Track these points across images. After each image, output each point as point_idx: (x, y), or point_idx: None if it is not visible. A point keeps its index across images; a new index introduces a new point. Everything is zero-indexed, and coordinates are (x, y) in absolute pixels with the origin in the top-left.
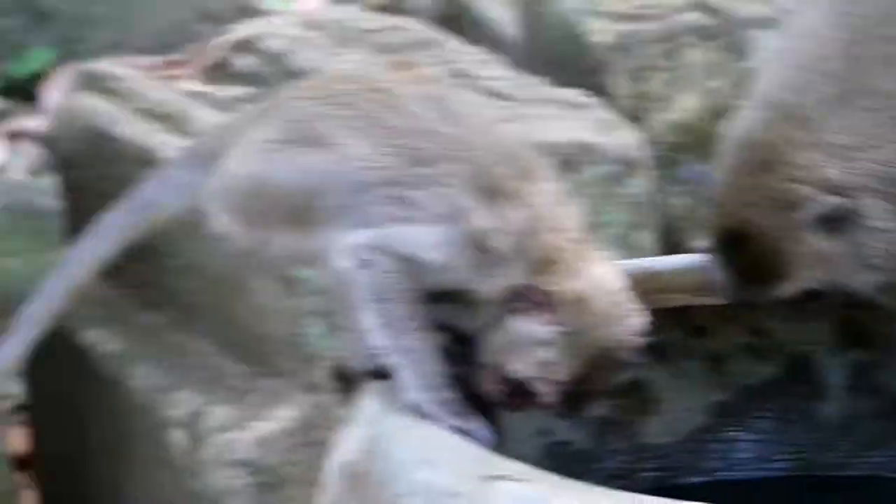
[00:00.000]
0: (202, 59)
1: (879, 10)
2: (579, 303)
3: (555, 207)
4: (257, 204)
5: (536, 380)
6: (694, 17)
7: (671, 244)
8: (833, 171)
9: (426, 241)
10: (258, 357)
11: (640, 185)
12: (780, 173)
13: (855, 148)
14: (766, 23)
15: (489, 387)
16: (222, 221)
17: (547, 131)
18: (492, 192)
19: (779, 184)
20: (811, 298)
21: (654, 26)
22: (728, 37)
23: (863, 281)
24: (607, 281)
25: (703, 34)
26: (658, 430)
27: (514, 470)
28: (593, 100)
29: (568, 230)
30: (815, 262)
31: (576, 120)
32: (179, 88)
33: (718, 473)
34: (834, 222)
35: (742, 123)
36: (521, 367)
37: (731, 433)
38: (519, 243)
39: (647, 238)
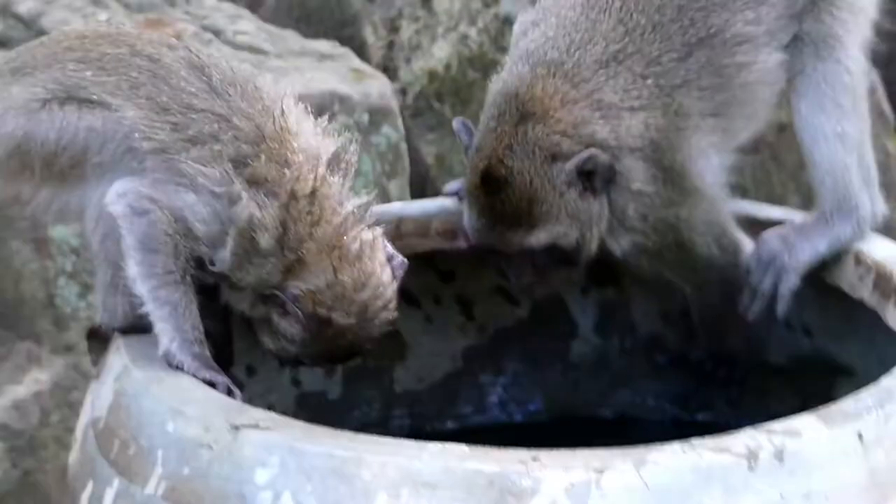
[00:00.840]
0: None
1: None
2: (325, 320)
3: (317, 193)
4: (19, 160)
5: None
6: None
7: (421, 191)
8: (598, 129)
9: (197, 210)
10: (12, 321)
11: (389, 133)
12: (545, 125)
13: (623, 108)
14: None
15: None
16: None
17: (300, 83)
18: (255, 180)
19: (542, 135)
20: (556, 261)
21: None
22: None
23: (618, 241)
24: (364, 286)
25: None
26: (410, 376)
27: (260, 418)
28: (346, 50)
29: (330, 216)
30: (570, 216)
31: (328, 71)
32: None
33: (472, 418)
34: (593, 178)
35: (508, 77)
36: (273, 345)
37: (482, 378)
38: (278, 240)
39: (397, 185)
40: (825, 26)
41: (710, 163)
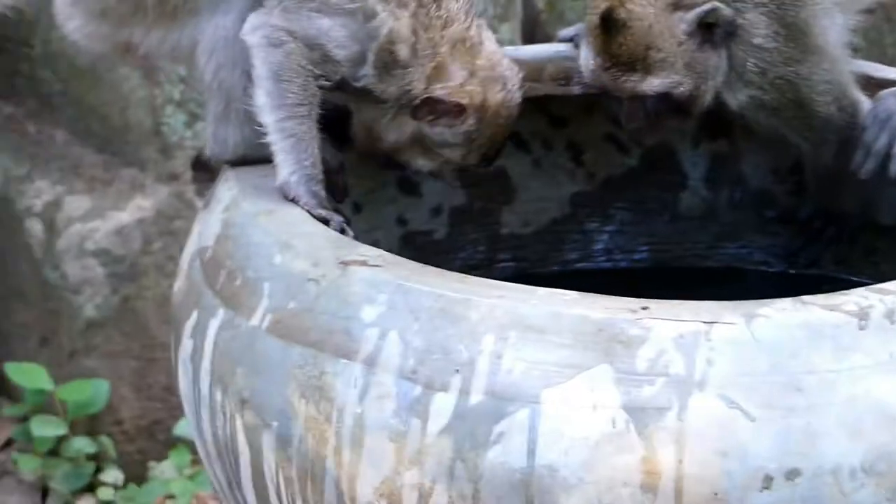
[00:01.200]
0: None
1: None
2: (480, 105)
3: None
4: (132, 1)
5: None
6: None
7: (531, 36)
8: None
9: (335, 34)
10: (118, 147)
11: None
12: None
13: None
14: None
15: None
16: (80, 26)
17: None
18: None
19: None
20: (669, 110)
21: None
22: None
23: (735, 95)
24: (498, 64)
25: None
26: (516, 220)
27: (369, 255)
28: None
29: (454, 15)
30: (686, 66)
31: None
32: None
33: (577, 264)
34: (713, 31)
35: None
36: (430, 164)
37: (589, 224)
38: (412, 48)
39: (509, 28)
40: None
41: (833, 21)
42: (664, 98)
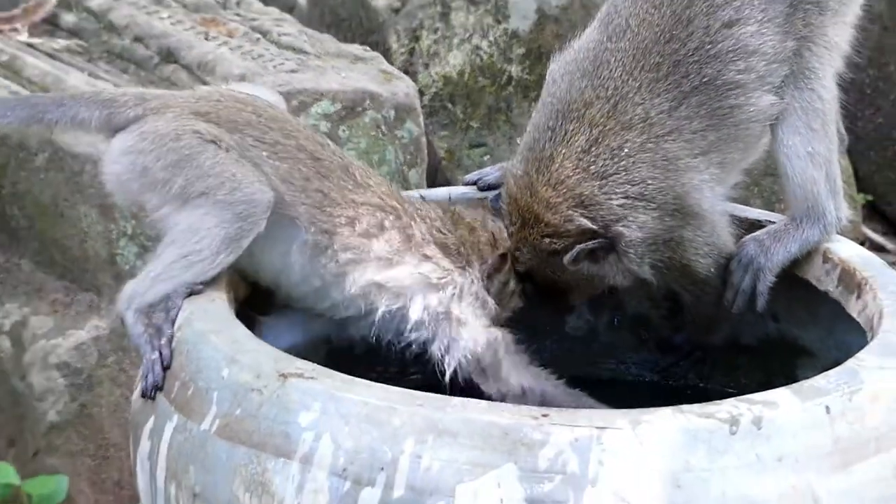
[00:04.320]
0: (32, 16)
1: (645, 41)
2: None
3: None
4: (170, 172)
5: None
6: None
7: (433, 180)
8: (581, 221)
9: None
10: (77, 274)
11: (412, 128)
12: (538, 230)
13: (602, 193)
14: None
15: None
16: (118, 173)
17: (336, 81)
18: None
19: (538, 238)
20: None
21: None
22: (492, 2)
23: (643, 273)
24: (482, 224)
25: (471, 0)
26: None
27: (305, 368)
28: (376, 54)
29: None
30: (590, 279)
31: (361, 71)
32: (13, 41)
33: None
34: (597, 251)
35: (512, 170)
36: (505, 312)
37: None
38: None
39: (416, 173)
40: (804, 60)
41: (704, 195)
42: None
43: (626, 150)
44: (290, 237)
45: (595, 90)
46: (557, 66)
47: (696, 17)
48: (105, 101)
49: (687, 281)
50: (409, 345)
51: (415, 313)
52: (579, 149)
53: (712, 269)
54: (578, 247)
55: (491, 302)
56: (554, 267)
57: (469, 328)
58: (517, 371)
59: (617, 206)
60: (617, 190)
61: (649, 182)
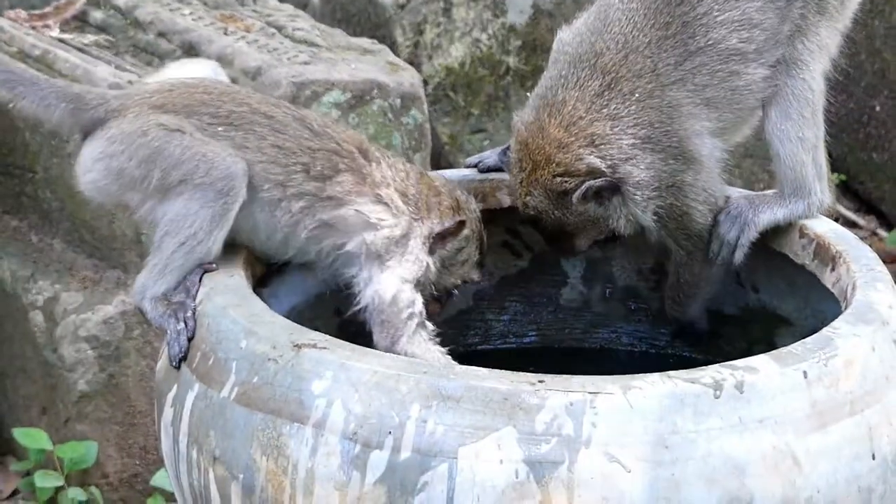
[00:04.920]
0: (63, 13)
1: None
2: (464, 211)
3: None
4: (145, 169)
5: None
6: None
7: (437, 163)
8: (591, 160)
9: None
10: (105, 253)
11: (416, 115)
12: (549, 170)
13: (613, 134)
14: None
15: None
16: (95, 180)
17: (347, 71)
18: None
19: (548, 179)
20: (608, 240)
21: None
22: None
23: (644, 215)
24: (452, 187)
25: None
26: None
27: (317, 339)
28: (383, 47)
29: (414, 176)
30: (596, 221)
31: (369, 63)
32: (46, 36)
33: (479, 346)
34: (600, 194)
35: (523, 125)
36: (453, 280)
37: (488, 314)
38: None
39: (421, 157)
40: (797, 51)
41: (704, 141)
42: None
43: (636, 96)
44: (249, 199)
45: (606, 42)
46: (566, 34)
47: None
48: (73, 95)
49: (682, 234)
50: (350, 284)
51: (351, 247)
52: (592, 92)
53: (707, 218)
54: (587, 183)
55: (428, 262)
56: (563, 208)
57: (387, 275)
58: (411, 340)
59: (627, 145)
60: (628, 131)
61: (656, 125)
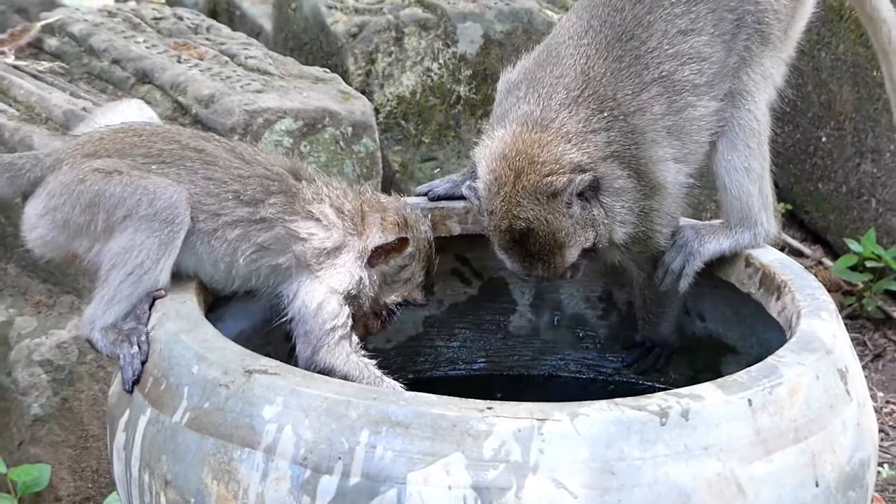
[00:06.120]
0: (19, 40)
1: (607, 38)
2: (409, 228)
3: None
4: (89, 214)
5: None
6: (414, 12)
7: (387, 190)
8: (572, 155)
9: None
10: (59, 278)
11: (368, 144)
12: (535, 173)
13: (586, 132)
14: (472, 17)
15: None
16: (42, 235)
17: (299, 100)
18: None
19: (536, 181)
20: (588, 255)
21: (382, 19)
22: (442, 28)
23: (619, 235)
24: (402, 206)
25: (422, 25)
26: (379, 338)
27: (269, 365)
28: (335, 75)
29: (352, 194)
30: (582, 226)
31: (321, 91)
32: (1, 63)
33: (429, 373)
34: (586, 192)
35: (493, 143)
36: (394, 298)
37: (437, 341)
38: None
39: (372, 185)
40: (742, 82)
41: (669, 167)
42: (580, 254)
43: (605, 114)
44: (188, 231)
45: (563, 70)
46: (512, 74)
47: (656, 21)
48: (5, 165)
49: (645, 255)
50: (280, 296)
51: (282, 260)
52: (558, 103)
53: (668, 242)
54: (577, 178)
55: (362, 276)
56: (555, 212)
57: (315, 284)
58: (331, 351)
59: (602, 144)
60: (599, 141)
61: (625, 146)
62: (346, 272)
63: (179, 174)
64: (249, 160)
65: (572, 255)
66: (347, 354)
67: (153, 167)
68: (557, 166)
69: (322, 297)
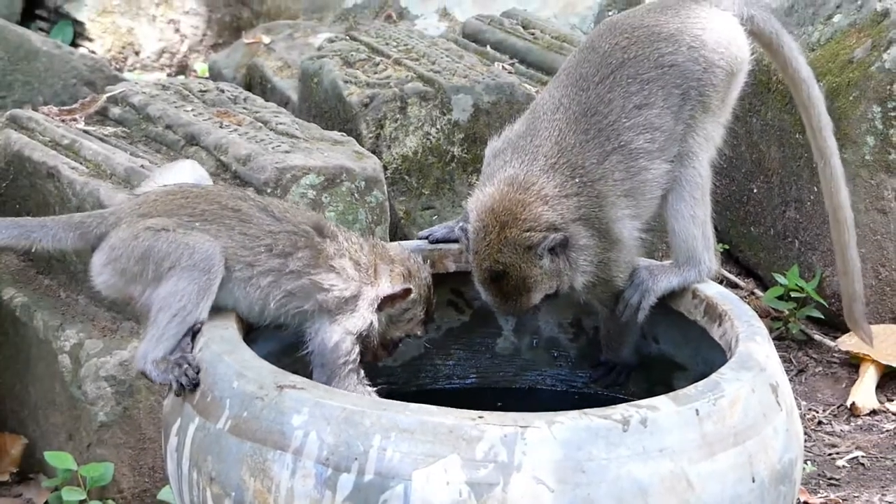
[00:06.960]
0: (88, 108)
1: (576, 113)
2: (413, 278)
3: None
4: (142, 265)
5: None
6: (415, 85)
7: (394, 234)
8: (548, 215)
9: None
10: (121, 307)
11: (378, 195)
12: (517, 227)
13: (561, 196)
14: (464, 90)
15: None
16: (106, 280)
17: (321, 159)
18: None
19: (517, 235)
20: (549, 298)
21: (389, 91)
22: (439, 99)
23: (579, 282)
24: (406, 257)
25: (422, 97)
26: (389, 358)
27: (297, 381)
28: (351, 139)
29: (367, 248)
30: (549, 276)
31: (339, 152)
32: (73, 128)
33: (429, 386)
34: (556, 248)
35: (483, 197)
36: (398, 333)
37: (437, 360)
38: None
39: (381, 230)
40: (688, 145)
41: (626, 224)
42: (542, 298)
43: (576, 180)
44: (226, 278)
45: (540, 140)
46: (496, 143)
47: (615, 99)
48: (76, 224)
49: (607, 295)
50: (304, 334)
51: (308, 306)
52: (539, 168)
53: (626, 283)
54: (551, 237)
55: (373, 320)
56: (528, 261)
57: (334, 327)
58: (342, 382)
59: (573, 208)
60: (570, 205)
61: (591, 210)
62: (360, 317)
63: (219, 230)
64: (279, 217)
65: (536, 298)
66: (355, 385)
67: (196, 224)
68: (536, 224)
69: (339, 338)
